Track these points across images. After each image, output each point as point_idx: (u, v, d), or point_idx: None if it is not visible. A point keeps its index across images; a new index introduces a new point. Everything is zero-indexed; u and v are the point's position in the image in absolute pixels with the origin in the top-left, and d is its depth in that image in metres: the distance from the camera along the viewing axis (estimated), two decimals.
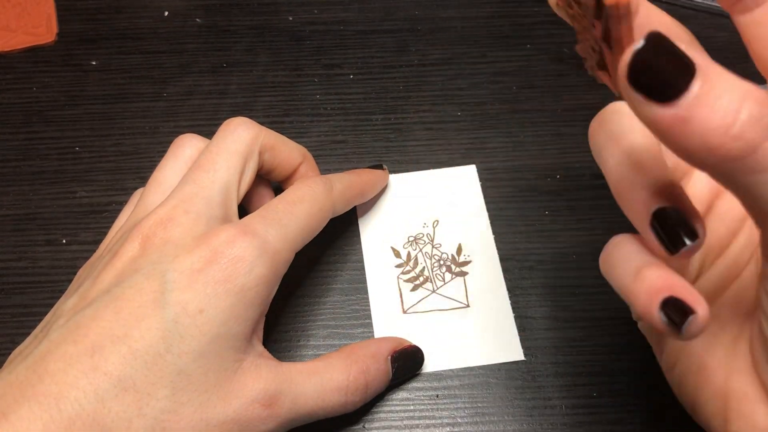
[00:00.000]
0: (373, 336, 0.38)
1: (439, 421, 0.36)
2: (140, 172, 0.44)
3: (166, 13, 0.52)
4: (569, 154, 0.45)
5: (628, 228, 0.43)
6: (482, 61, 0.50)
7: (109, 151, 0.45)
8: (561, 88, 0.48)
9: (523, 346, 0.38)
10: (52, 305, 0.39)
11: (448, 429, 0.35)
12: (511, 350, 0.37)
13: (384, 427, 0.35)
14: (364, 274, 0.40)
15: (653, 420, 0.36)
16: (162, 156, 0.36)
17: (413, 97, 0.48)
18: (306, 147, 0.46)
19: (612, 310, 0.39)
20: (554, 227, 0.42)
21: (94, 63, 0.49)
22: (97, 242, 0.42)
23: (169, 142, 0.36)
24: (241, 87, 0.48)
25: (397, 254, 0.40)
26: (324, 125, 0.47)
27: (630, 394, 0.36)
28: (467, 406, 0.36)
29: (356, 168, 0.41)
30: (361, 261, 0.41)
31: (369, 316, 0.39)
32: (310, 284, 0.40)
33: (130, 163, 0.45)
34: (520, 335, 0.38)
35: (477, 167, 0.44)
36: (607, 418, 0.36)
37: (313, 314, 0.39)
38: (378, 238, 0.41)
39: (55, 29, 0.51)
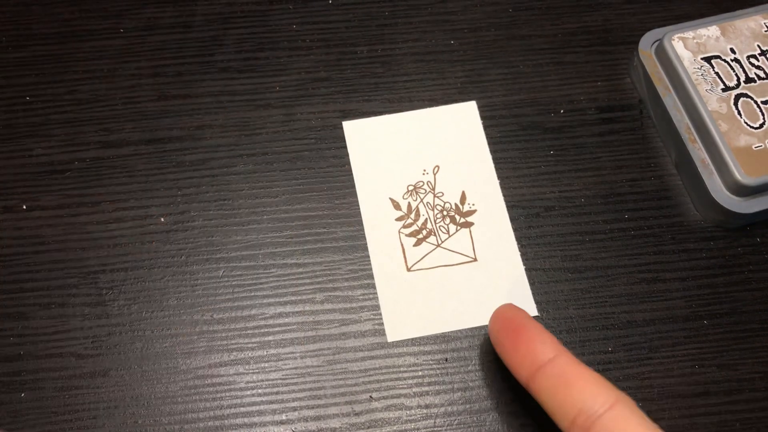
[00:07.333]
0: (376, 297, 0.35)
1: (449, 386, 0.34)
2: (102, 123, 0.39)
3: None
4: (572, 85, 0.42)
5: (635, 170, 0.40)
6: None
7: (63, 99, 0.40)
8: (560, 8, 0.44)
9: (534, 301, 0.36)
10: (17, 280, 0.36)
11: (459, 394, 0.34)
12: (524, 306, 0.35)
13: (392, 396, 0.34)
14: (362, 230, 0.37)
15: (670, 373, 0.34)
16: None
17: (401, 25, 0.43)
18: (285, 86, 0.42)
19: (624, 257, 0.37)
20: (560, 168, 0.39)
21: None
22: (62, 206, 0.37)
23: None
24: (207, 18, 0.43)
25: (397, 206, 0.37)
26: (303, 60, 0.42)
27: (645, 347, 0.35)
28: (479, 368, 0.34)
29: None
30: (358, 215, 0.37)
31: (370, 276, 0.36)
32: (301, 243, 0.37)
33: (89, 112, 0.40)
34: (530, 289, 0.36)
35: (475, 103, 0.41)
36: (622, 374, 0.34)
37: (307, 277, 0.36)
38: (375, 189, 0.38)
39: None
